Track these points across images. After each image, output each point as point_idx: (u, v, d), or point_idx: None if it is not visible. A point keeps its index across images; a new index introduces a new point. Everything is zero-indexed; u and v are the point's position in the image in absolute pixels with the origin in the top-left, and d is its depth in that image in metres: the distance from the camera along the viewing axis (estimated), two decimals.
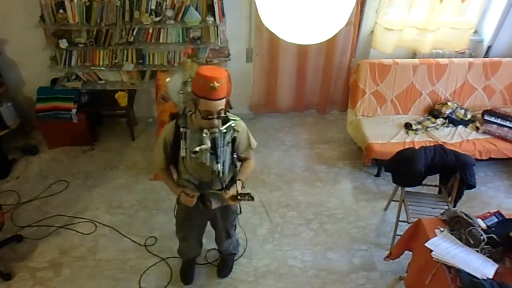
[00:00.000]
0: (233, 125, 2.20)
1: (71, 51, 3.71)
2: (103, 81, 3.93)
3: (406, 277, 2.83)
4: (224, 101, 2.06)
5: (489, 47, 4.19)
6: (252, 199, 2.23)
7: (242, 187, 2.35)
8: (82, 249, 3.22)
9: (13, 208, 3.50)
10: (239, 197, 2.23)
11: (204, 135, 2.08)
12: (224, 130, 2.15)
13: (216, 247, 3.05)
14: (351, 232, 3.40)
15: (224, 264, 3.08)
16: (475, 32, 4.20)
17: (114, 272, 3.07)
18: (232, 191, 2.26)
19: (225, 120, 2.19)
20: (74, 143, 4.10)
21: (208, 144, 2.09)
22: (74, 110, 3.84)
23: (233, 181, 2.36)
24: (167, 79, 2.46)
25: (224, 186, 2.30)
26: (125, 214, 3.49)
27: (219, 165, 2.17)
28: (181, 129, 2.16)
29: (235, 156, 2.35)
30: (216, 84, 1.96)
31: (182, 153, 2.16)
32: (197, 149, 2.07)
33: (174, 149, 2.23)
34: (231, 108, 2.22)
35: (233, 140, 2.27)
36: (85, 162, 3.97)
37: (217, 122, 2.09)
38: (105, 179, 3.80)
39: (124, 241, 3.28)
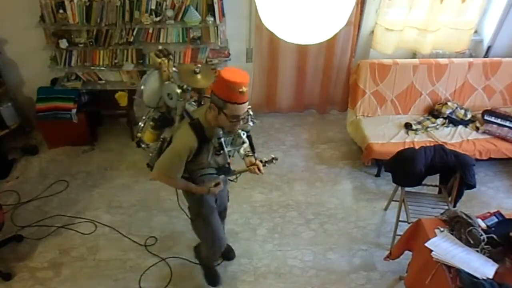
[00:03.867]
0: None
1: (71, 51, 3.71)
2: (103, 81, 3.93)
3: (406, 277, 2.83)
4: (247, 102, 2.10)
5: (489, 47, 4.19)
6: (277, 158, 2.43)
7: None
8: (82, 249, 3.22)
9: (13, 208, 3.50)
10: (266, 164, 2.40)
11: (242, 135, 2.25)
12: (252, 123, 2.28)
13: None
14: (351, 232, 3.40)
15: (228, 249, 3.13)
16: (475, 32, 4.20)
17: (114, 272, 3.07)
18: (258, 163, 2.38)
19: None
20: (74, 143, 4.10)
21: (247, 140, 2.31)
22: (74, 110, 3.85)
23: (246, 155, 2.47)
24: (141, 86, 2.43)
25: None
26: (125, 214, 3.49)
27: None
28: (221, 140, 2.16)
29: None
30: (245, 89, 1.98)
31: (209, 158, 2.22)
32: (242, 151, 2.38)
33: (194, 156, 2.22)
34: None
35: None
36: (85, 162, 3.97)
37: (240, 123, 2.14)
38: (105, 179, 3.80)
39: (124, 241, 3.28)
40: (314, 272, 3.11)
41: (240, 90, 1.96)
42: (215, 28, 3.68)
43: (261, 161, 2.39)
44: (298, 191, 3.73)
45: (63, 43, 3.58)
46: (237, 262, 3.14)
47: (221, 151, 2.21)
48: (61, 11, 3.45)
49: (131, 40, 3.65)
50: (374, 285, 3.03)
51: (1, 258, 3.11)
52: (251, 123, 2.30)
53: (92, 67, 3.81)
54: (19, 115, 4.05)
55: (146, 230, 3.37)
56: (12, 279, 3.01)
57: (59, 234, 3.33)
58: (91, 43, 3.64)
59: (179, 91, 2.26)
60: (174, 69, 2.45)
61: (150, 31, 3.66)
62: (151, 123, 2.42)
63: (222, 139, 2.16)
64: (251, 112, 2.28)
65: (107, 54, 3.78)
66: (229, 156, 2.34)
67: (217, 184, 2.36)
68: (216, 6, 3.55)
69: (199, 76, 2.45)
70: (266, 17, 1.55)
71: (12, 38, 3.79)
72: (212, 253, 2.88)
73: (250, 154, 2.42)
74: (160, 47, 2.53)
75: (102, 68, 3.82)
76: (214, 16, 3.59)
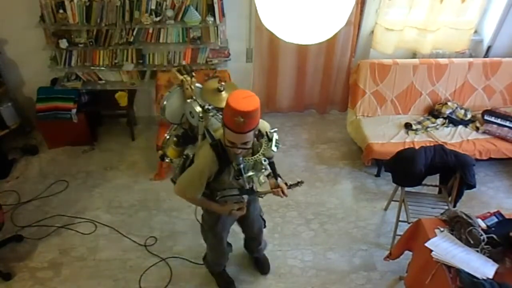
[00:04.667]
0: (263, 160, 2.18)
1: (71, 51, 3.71)
2: (103, 81, 3.93)
3: (406, 277, 2.83)
4: (251, 134, 1.98)
5: (489, 47, 4.19)
6: (303, 182, 2.35)
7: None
8: (82, 249, 3.22)
9: (13, 208, 3.50)
10: (291, 188, 2.35)
11: (263, 161, 2.14)
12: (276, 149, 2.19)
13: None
14: (351, 232, 3.40)
15: (262, 261, 3.10)
16: (475, 32, 4.20)
17: (114, 272, 3.07)
18: (283, 186, 2.33)
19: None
20: (74, 143, 4.09)
21: (269, 168, 2.23)
22: (74, 110, 3.84)
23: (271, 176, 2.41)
24: (164, 102, 2.37)
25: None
26: (125, 214, 3.49)
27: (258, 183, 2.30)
28: (241, 166, 2.12)
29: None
30: (241, 119, 1.85)
31: (230, 178, 2.19)
32: (263, 179, 2.25)
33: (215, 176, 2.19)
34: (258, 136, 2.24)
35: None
36: (85, 162, 3.97)
37: (240, 151, 2.05)
38: (105, 179, 3.80)
39: (124, 241, 3.28)
40: (314, 272, 3.11)
41: (236, 118, 1.85)
42: (215, 28, 3.68)
43: (286, 184, 2.34)
44: (298, 191, 3.69)
45: (63, 43, 3.58)
46: (237, 262, 3.14)
47: (240, 177, 2.17)
48: (61, 11, 3.45)
49: (131, 40, 3.64)
50: (374, 285, 3.04)
51: (1, 258, 3.11)
52: (275, 149, 2.17)
53: (92, 67, 3.81)
54: (19, 115, 4.05)
55: (146, 230, 3.37)
56: (12, 279, 3.01)
57: (59, 234, 3.33)
58: (91, 43, 3.64)
59: (199, 110, 2.19)
60: (198, 85, 2.38)
61: (150, 31, 3.65)
62: (174, 139, 2.38)
63: (242, 165, 2.11)
64: (276, 137, 2.19)
65: (107, 54, 3.77)
66: (251, 180, 2.29)
67: (240, 208, 2.30)
68: (216, 6, 3.55)
69: (224, 94, 2.32)
70: (266, 17, 1.55)
71: (12, 38, 3.79)
72: (217, 260, 2.88)
73: (274, 174, 2.35)
74: (184, 62, 2.44)
75: (102, 68, 3.82)
76: (214, 16, 3.59)
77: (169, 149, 2.41)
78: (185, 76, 2.33)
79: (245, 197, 2.37)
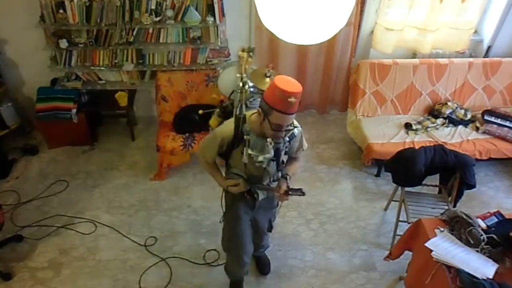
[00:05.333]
0: (296, 133, 2.22)
1: (71, 51, 3.71)
2: (103, 81, 3.94)
3: (406, 277, 2.83)
4: (294, 116, 2.06)
5: (489, 47, 4.19)
6: (303, 194, 2.26)
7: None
8: (82, 249, 3.22)
9: (13, 208, 3.50)
10: (290, 192, 2.28)
11: (269, 144, 2.12)
12: (288, 139, 2.19)
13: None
14: (351, 232, 3.40)
15: (263, 261, 3.10)
16: (475, 32, 4.20)
17: (114, 272, 3.07)
18: (283, 187, 2.29)
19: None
20: (74, 143, 4.10)
21: (271, 153, 2.17)
22: (74, 110, 3.84)
23: (281, 176, 2.36)
24: (220, 70, 2.57)
25: (271, 180, 2.36)
26: (125, 214, 3.50)
27: (279, 172, 2.29)
28: (246, 137, 2.14)
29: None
30: (293, 99, 1.95)
31: (245, 160, 2.18)
32: (261, 159, 2.17)
33: (228, 147, 2.25)
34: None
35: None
36: (85, 162, 3.97)
37: (283, 134, 2.11)
38: (105, 179, 3.80)
39: (124, 241, 3.28)
40: (314, 272, 3.11)
41: (289, 99, 1.94)
42: (215, 28, 3.68)
43: (288, 187, 2.31)
44: None
45: (63, 43, 3.58)
46: None
47: (245, 148, 2.16)
48: (61, 11, 3.45)
49: (131, 40, 3.65)
50: (374, 285, 3.04)
51: (1, 258, 3.11)
52: (286, 138, 2.19)
53: (92, 67, 3.81)
54: (19, 115, 4.05)
55: (146, 230, 3.37)
56: (12, 279, 3.01)
57: (59, 234, 3.33)
58: (91, 43, 3.64)
59: (240, 84, 2.37)
60: (253, 66, 2.57)
61: (150, 31, 3.66)
62: (218, 110, 2.58)
63: (248, 138, 2.14)
64: (296, 131, 2.22)
65: (107, 54, 3.78)
66: (258, 161, 2.25)
67: (236, 184, 2.30)
68: (216, 6, 3.55)
69: (267, 80, 2.55)
70: (266, 17, 1.56)
71: (12, 38, 3.79)
72: (232, 266, 2.83)
73: (286, 175, 2.33)
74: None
75: (102, 68, 3.82)
76: (214, 16, 3.59)
77: (212, 118, 2.61)
78: (245, 53, 2.51)
79: (261, 195, 2.40)
